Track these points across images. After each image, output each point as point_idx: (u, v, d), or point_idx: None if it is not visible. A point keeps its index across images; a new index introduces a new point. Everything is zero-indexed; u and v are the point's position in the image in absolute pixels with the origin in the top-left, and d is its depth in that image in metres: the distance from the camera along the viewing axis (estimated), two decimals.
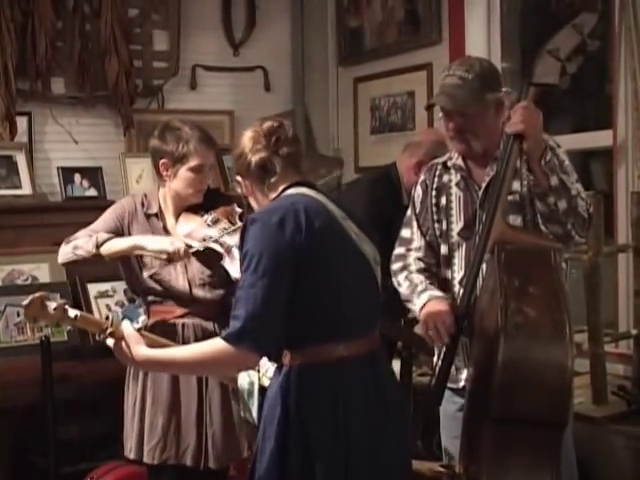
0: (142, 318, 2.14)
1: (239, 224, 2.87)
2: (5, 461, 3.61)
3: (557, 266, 2.22)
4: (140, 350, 2.03)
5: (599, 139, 3.65)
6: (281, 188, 2.11)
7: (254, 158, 2.11)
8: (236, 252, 2.84)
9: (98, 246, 2.82)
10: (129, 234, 2.93)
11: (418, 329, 2.56)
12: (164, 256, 2.78)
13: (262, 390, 2.92)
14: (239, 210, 3.01)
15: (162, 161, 2.90)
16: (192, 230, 2.91)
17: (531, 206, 2.46)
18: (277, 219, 1.95)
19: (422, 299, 2.55)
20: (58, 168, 4.34)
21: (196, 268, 2.90)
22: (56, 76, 4.38)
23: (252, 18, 4.97)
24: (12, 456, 3.64)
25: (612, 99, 3.53)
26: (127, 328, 2.07)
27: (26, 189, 4.14)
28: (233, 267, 2.83)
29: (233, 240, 2.84)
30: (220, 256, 2.85)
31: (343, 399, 1.99)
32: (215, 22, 4.91)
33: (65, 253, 2.89)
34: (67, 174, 4.33)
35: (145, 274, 2.88)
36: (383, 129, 4.65)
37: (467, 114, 2.49)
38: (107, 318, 2.08)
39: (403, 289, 2.64)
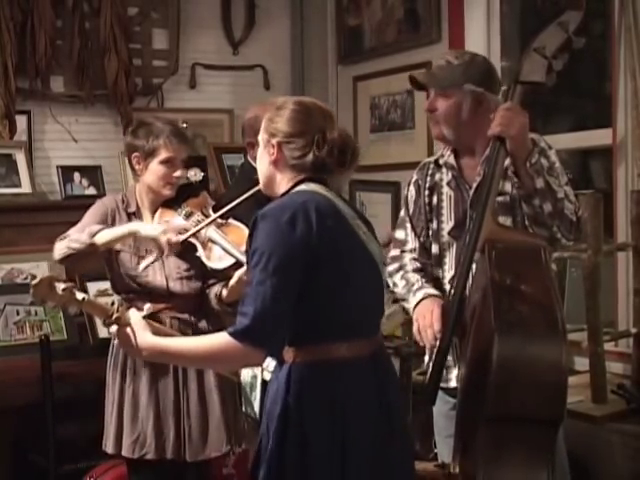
0: (147, 306, 2.14)
1: (213, 216, 2.90)
2: (5, 460, 3.62)
3: (547, 263, 2.22)
4: (146, 338, 2.03)
5: (599, 138, 3.64)
6: (296, 180, 2.07)
7: (311, 155, 2.04)
8: (211, 244, 2.87)
9: (93, 235, 2.83)
10: None
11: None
12: (156, 243, 2.80)
13: (264, 384, 2.92)
14: (212, 202, 3.06)
15: (134, 154, 2.95)
16: (168, 225, 2.92)
17: (521, 207, 2.46)
18: (288, 217, 1.93)
19: (417, 297, 2.55)
20: (57, 167, 4.34)
21: (173, 263, 2.93)
22: (55, 74, 4.38)
23: (251, 17, 4.97)
24: (12, 455, 3.64)
25: (611, 97, 3.53)
26: (134, 315, 2.06)
27: (25, 188, 4.14)
28: (208, 259, 2.87)
29: (207, 232, 2.88)
30: (195, 248, 2.87)
31: (342, 399, 1.98)
32: (215, 21, 4.91)
33: (60, 249, 2.88)
34: (66, 173, 4.34)
35: (141, 266, 2.90)
36: (383, 128, 4.65)
37: (441, 95, 2.52)
38: (113, 304, 2.07)
39: (399, 288, 2.64)
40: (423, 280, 2.61)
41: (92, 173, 4.38)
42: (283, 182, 2.10)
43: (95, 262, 2.96)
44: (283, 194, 2.08)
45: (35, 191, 4.18)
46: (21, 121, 4.25)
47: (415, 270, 2.65)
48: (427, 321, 2.45)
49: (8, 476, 3.62)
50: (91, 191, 4.33)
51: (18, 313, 3.76)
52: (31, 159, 4.24)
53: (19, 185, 4.14)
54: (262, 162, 2.14)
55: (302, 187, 2.06)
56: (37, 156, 4.33)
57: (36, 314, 3.79)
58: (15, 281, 3.91)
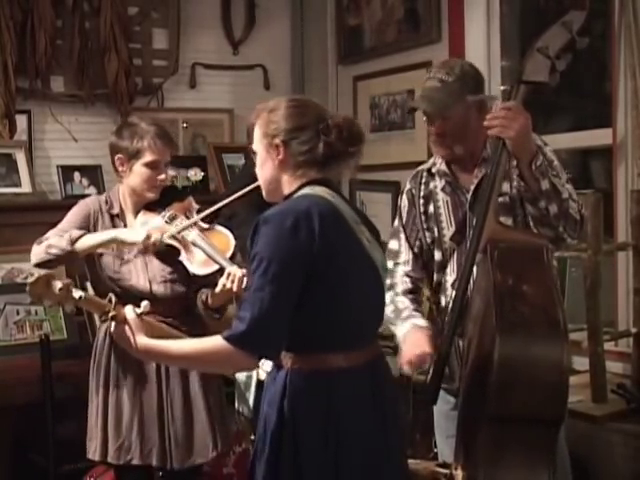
0: (145, 303, 2.14)
1: (195, 218, 2.89)
2: (5, 460, 3.62)
3: (550, 263, 2.22)
4: (140, 339, 2.02)
5: (599, 138, 3.64)
6: (301, 182, 2.05)
7: (321, 144, 2.03)
8: (194, 248, 2.86)
9: (72, 242, 2.79)
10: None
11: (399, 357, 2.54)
12: (140, 246, 2.80)
13: (259, 383, 2.91)
14: (196, 206, 3.04)
15: (117, 156, 2.91)
16: (150, 228, 2.91)
17: (521, 207, 2.46)
18: (290, 223, 1.90)
19: (405, 327, 2.55)
20: (57, 166, 4.35)
21: (156, 266, 2.90)
22: (55, 74, 4.39)
23: (252, 16, 4.98)
24: (12, 454, 3.64)
25: (611, 97, 3.53)
26: (129, 313, 2.06)
27: (25, 187, 4.14)
28: (190, 263, 2.85)
29: (191, 236, 2.86)
30: (178, 252, 2.86)
31: (337, 409, 1.97)
32: (215, 20, 4.92)
33: (38, 253, 2.82)
34: (66, 172, 4.34)
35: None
36: (383, 127, 4.65)
37: (448, 117, 2.49)
38: (110, 301, 2.07)
39: (388, 312, 2.60)
40: (412, 307, 2.61)
41: (92, 173, 4.38)
42: (288, 184, 2.06)
43: (76, 266, 2.92)
44: (287, 197, 2.05)
45: (35, 191, 4.18)
46: (21, 121, 4.25)
47: (405, 292, 2.64)
48: (418, 350, 2.45)
49: (8, 476, 3.62)
50: (91, 191, 4.32)
51: (18, 313, 3.76)
52: (31, 159, 4.25)
53: (19, 185, 4.14)
54: (266, 168, 2.09)
55: (306, 190, 2.03)
56: (37, 156, 4.34)
57: (36, 314, 3.79)
58: (15, 281, 3.91)
